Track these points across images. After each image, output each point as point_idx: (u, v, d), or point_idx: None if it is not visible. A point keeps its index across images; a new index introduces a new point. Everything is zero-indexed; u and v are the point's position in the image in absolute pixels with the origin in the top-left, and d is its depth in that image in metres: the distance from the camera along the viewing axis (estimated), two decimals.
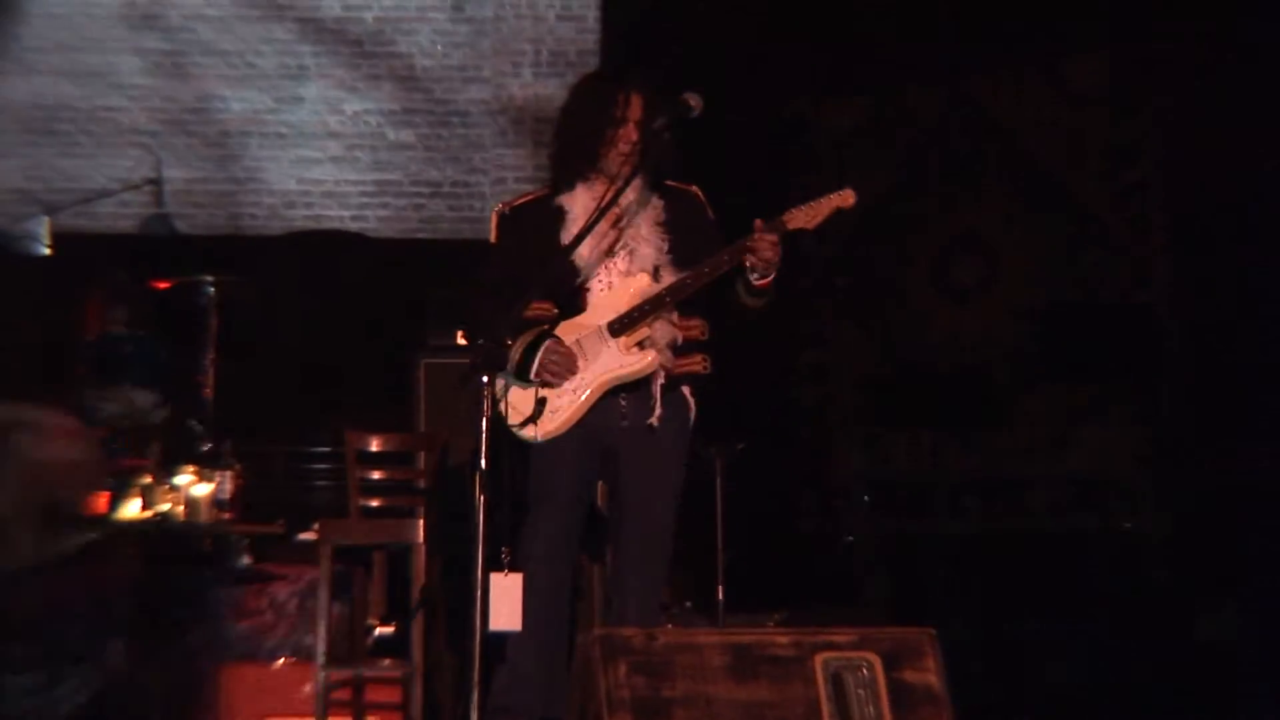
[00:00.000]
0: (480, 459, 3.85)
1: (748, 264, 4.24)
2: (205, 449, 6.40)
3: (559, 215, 4.35)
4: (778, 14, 7.93)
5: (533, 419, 4.21)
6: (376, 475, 5.79)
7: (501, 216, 4.48)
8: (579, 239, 4.19)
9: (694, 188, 4.47)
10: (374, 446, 5.80)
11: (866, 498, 7.97)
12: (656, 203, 4.35)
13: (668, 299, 4.26)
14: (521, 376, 4.27)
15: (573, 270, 4.30)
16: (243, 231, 8.68)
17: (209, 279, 6.89)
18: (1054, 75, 7.96)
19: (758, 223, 4.23)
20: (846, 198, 4.23)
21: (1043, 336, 7.86)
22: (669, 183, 4.41)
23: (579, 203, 4.34)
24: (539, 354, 4.25)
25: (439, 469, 5.77)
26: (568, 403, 4.27)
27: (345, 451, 5.78)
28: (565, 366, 4.26)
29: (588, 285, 4.33)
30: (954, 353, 8.06)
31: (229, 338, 6.90)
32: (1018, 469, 7.81)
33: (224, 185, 8.81)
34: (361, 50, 8.93)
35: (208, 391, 6.79)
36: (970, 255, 8.17)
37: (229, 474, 6.13)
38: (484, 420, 3.89)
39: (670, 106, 4.21)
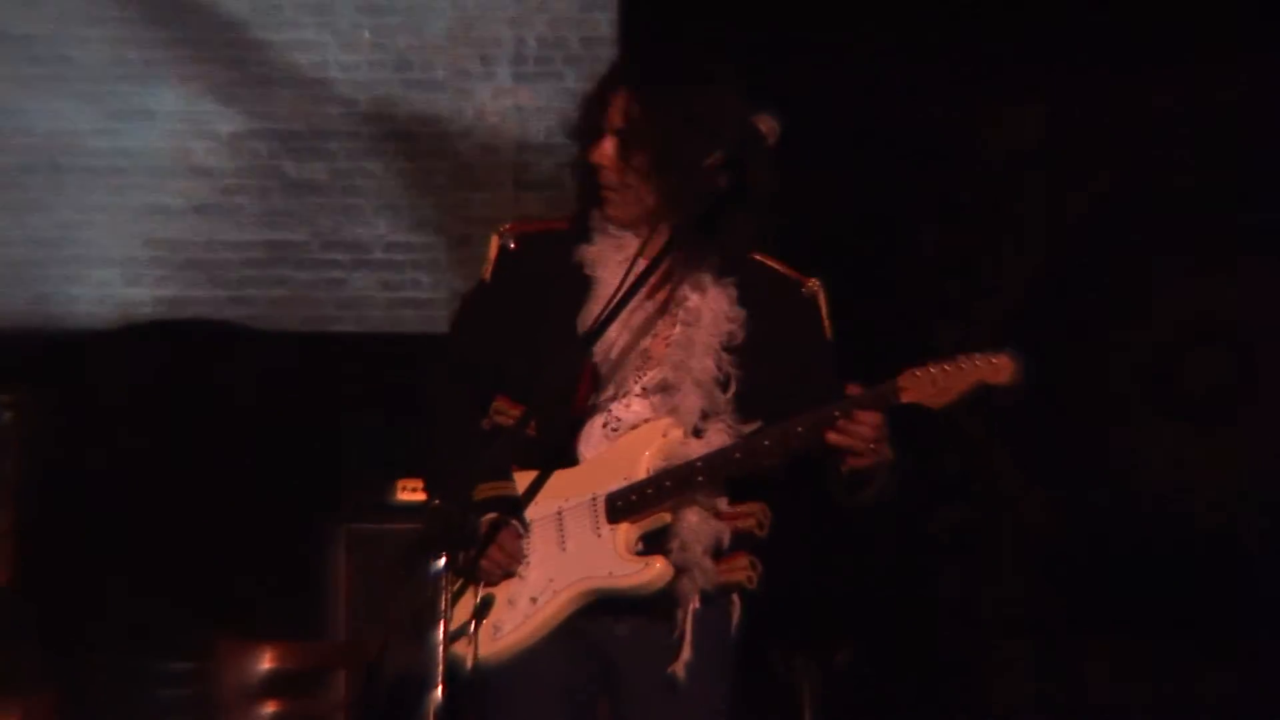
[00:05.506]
0: (434, 686, 3.90)
1: (839, 445, 4.19)
2: None
3: (579, 278, 4.35)
4: None
5: (465, 630, 4.15)
6: (269, 709, 5.88)
7: (503, 250, 4.46)
8: (592, 335, 4.16)
9: (812, 283, 4.45)
10: (264, 663, 5.90)
11: None
12: (720, 298, 4.32)
13: (700, 478, 4.25)
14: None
15: (580, 377, 4.30)
16: (55, 322, 8.78)
17: (2, 397, 7.03)
18: None
19: (851, 389, 4.19)
20: (1000, 370, 4.17)
21: None
22: (769, 262, 4.41)
23: (606, 264, 4.35)
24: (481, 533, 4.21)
25: (366, 698, 5.85)
26: (521, 614, 4.28)
27: (218, 670, 5.87)
28: (505, 560, 4.26)
29: (594, 412, 4.34)
30: (1186, 508, 8.10)
31: (35, 486, 7.01)
32: None
33: (23, 249, 8.95)
34: (244, 38, 9.06)
35: (1, 574, 6.90)
36: (1212, 350, 8.24)
37: (36, 702, 6.21)
38: (440, 625, 3.94)
39: (731, 134, 4.22)
